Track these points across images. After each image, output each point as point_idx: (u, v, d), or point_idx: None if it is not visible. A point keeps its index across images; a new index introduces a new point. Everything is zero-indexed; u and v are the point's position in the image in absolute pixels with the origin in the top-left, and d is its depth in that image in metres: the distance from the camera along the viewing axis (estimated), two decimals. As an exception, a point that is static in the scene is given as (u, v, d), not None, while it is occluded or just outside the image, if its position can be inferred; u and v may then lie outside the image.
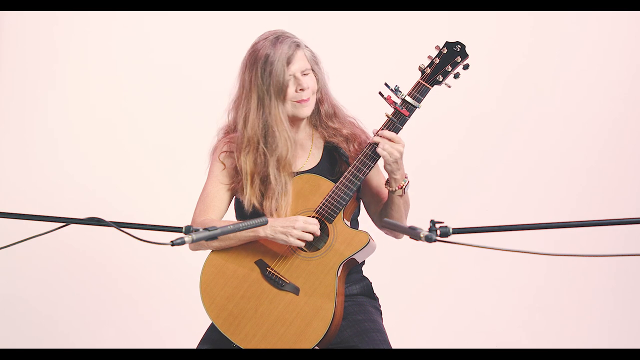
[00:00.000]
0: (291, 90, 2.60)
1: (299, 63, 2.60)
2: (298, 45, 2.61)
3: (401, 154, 2.52)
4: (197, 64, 4.38)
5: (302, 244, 2.55)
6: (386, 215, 2.64)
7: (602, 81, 4.38)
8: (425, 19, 4.27)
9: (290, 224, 2.54)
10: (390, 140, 2.51)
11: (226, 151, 2.71)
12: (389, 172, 2.56)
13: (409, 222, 2.21)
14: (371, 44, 4.35)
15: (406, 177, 2.58)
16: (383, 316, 2.77)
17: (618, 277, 4.38)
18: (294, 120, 2.67)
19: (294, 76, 2.60)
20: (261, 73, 2.59)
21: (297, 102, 2.61)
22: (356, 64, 4.34)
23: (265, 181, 2.64)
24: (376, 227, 2.77)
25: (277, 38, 2.61)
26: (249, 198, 2.64)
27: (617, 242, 4.19)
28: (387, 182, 2.60)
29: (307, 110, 2.63)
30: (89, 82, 4.45)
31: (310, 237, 2.55)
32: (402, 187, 2.57)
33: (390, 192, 2.60)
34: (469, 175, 4.44)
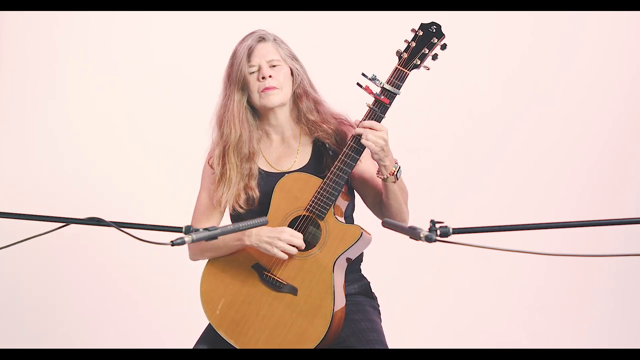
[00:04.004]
0: (252, 80, 2.66)
1: (264, 54, 2.66)
2: (263, 38, 2.68)
3: (385, 140, 2.50)
4: (197, 64, 4.38)
5: (285, 257, 2.55)
6: (385, 205, 2.63)
7: (602, 81, 4.38)
8: (425, 19, 4.27)
9: (276, 235, 2.54)
10: (371, 128, 2.51)
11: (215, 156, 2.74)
12: (378, 161, 2.54)
13: (410, 222, 2.21)
14: (371, 45, 4.35)
15: (396, 163, 2.56)
16: (382, 316, 2.77)
17: (618, 277, 4.38)
18: (269, 112, 2.70)
19: (258, 66, 2.65)
20: (227, 69, 2.70)
21: (261, 91, 2.65)
22: (357, 64, 4.33)
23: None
24: (375, 220, 2.73)
25: (246, 36, 2.70)
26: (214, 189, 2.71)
27: (617, 242, 4.18)
28: (379, 171, 2.58)
29: (273, 98, 2.66)
30: (89, 82, 4.45)
31: (294, 251, 2.55)
32: (393, 174, 2.55)
33: (384, 181, 2.58)
34: (469, 175, 4.44)
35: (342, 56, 4.29)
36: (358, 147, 2.54)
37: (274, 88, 2.65)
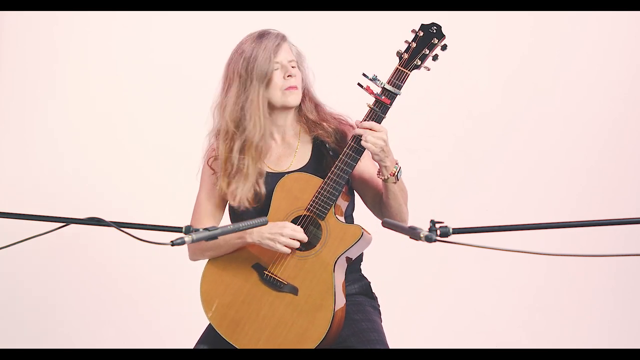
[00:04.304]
0: (278, 78, 2.63)
1: (286, 54, 2.65)
2: (284, 38, 2.67)
3: (385, 141, 2.51)
4: (197, 64, 4.38)
5: (289, 251, 2.55)
6: (385, 205, 2.63)
7: (602, 81, 4.38)
8: (425, 19, 4.27)
9: (278, 231, 2.54)
10: (371, 129, 2.51)
11: (214, 156, 2.72)
12: (378, 162, 2.54)
13: (410, 222, 2.21)
14: (372, 45, 4.35)
15: (397, 164, 2.56)
16: (383, 316, 2.77)
17: (618, 277, 4.38)
18: (281, 112, 2.68)
19: (281, 64, 2.64)
20: (245, 65, 2.63)
21: (285, 89, 2.64)
22: (357, 64, 4.33)
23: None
24: (375, 220, 2.74)
25: (263, 33, 2.67)
26: (220, 185, 2.67)
27: (617, 242, 4.18)
28: (379, 172, 2.58)
29: (295, 98, 2.65)
30: (89, 82, 4.45)
31: (297, 244, 2.55)
32: (394, 174, 2.55)
33: (384, 181, 2.58)
34: (469, 175, 4.44)
35: (342, 56, 4.29)
36: (358, 147, 2.54)
37: (297, 88, 2.65)
